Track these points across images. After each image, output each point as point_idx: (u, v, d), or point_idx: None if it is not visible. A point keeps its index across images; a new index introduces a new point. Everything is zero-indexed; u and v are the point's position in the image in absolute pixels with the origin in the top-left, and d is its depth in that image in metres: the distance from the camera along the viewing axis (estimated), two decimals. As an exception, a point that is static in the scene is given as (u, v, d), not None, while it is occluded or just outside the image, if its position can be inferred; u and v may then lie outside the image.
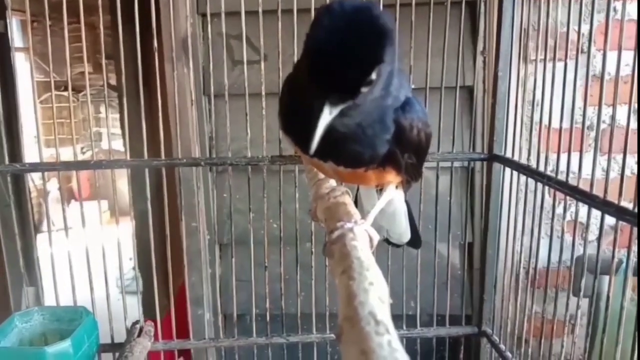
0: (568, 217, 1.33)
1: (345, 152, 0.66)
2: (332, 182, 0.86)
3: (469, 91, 1.45)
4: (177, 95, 1.22)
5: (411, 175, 0.77)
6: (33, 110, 1.22)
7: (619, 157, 0.86)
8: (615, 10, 0.99)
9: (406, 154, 0.70)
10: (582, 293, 1.01)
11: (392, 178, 0.74)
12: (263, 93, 1.21)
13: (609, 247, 0.97)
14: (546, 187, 1.07)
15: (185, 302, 1.47)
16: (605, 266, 0.94)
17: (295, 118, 0.66)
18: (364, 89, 0.56)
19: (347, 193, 0.81)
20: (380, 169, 0.69)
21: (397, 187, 0.83)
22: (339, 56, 0.53)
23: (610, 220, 0.89)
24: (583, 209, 0.97)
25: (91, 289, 1.27)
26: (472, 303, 1.50)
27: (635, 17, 0.86)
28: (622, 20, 0.86)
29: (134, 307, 1.36)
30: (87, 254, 1.24)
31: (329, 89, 0.55)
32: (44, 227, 1.33)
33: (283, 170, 1.29)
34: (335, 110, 0.56)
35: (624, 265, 1.11)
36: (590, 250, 1.00)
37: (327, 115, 0.55)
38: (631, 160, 1.32)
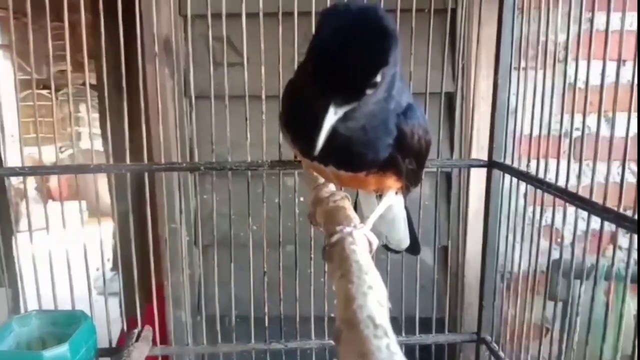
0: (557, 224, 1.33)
1: (347, 155, 0.65)
2: (332, 187, 0.86)
3: (449, 98, 1.46)
4: (159, 97, 1.21)
5: (411, 180, 0.77)
6: (11, 109, 1.21)
7: (618, 164, 0.86)
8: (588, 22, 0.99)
9: (407, 159, 0.70)
10: (580, 299, 1.01)
11: (392, 183, 0.74)
12: (263, 96, 1.22)
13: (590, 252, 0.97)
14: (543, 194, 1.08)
15: (170, 306, 1.47)
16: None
17: (298, 120, 0.65)
18: (368, 91, 0.56)
19: (347, 198, 0.81)
20: (380, 174, 0.69)
21: (396, 193, 0.83)
22: (344, 57, 0.53)
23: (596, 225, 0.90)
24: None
25: (89, 291, 1.27)
26: (450, 308, 1.50)
27: (617, 28, 0.86)
28: (622, 29, 0.86)
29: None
30: (85, 254, 1.24)
31: (334, 91, 0.54)
32: (21, 227, 1.32)
33: (282, 174, 1.29)
34: (340, 112, 0.55)
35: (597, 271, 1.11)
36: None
37: (332, 116, 0.55)
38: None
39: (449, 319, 1.42)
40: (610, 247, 0.94)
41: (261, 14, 1.18)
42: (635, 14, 0.92)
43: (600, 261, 0.96)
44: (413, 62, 1.22)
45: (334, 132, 0.57)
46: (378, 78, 0.55)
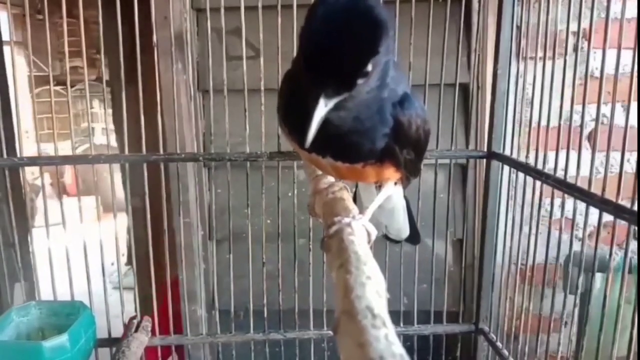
0: (557, 214, 1.34)
1: (344, 145, 0.65)
2: (331, 178, 0.85)
3: (462, 89, 1.45)
4: (172, 90, 1.21)
5: (410, 171, 0.77)
6: (24, 104, 1.22)
7: (617, 155, 0.86)
8: (604, 9, 0.99)
9: (405, 149, 0.70)
10: (579, 291, 1.01)
11: (391, 174, 0.73)
12: (262, 89, 1.21)
13: (602, 244, 0.97)
14: (542, 185, 1.08)
15: (175, 297, 1.47)
16: (601, 264, 0.94)
17: (293, 112, 0.65)
18: (360, 81, 0.55)
19: (346, 188, 0.81)
20: (378, 165, 0.69)
21: (395, 183, 0.83)
22: (334, 48, 0.52)
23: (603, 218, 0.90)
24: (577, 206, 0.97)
25: (88, 282, 1.28)
26: (464, 300, 1.51)
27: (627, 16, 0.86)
28: (622, 18, 0.86)
29: (129, 303, 1.36)
30: (84, 249, 1.24)
31: (325, 82, 0.54)
32: (36, 222, 1.32)
33: (281, 166, 1.29)
34: (331, 103, 0.55)
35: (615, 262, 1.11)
36: (586, 247, 1.00)
37: (323, 108, 0.54)
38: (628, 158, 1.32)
39: (459, 311, 1.43)
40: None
41: (260, 5, 1.17)
42: (635, 2, 0.92)
43: (599, 253, 0.96)
44: (412, 52, 1.21)
45: (328, 123, 0.56)
46: (369, 67, 0.55)
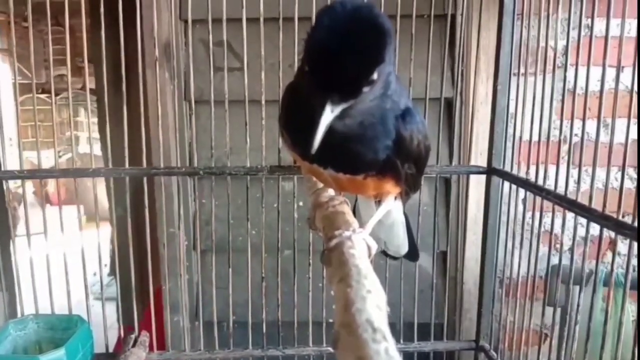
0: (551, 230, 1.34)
1: (345, 155, 0.65)
2: (331, 191, 0.85)
3: (448, 103, 1.46)
4: (159, 101, 1.21)
5: (410, 186, 0.77)
6: (9, 113, 1.21)
7: (618, 170, 0.86)
8: (587, 27, 0.99)
9: (406, 163, 0.70)
10: (580, 307, 1.00)
11: (391, 188, 0.73)
12: (263, 101, 1.22)
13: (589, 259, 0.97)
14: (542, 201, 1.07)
15: (164, 311, 1.46)
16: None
17: (295, 122, 0.65)
18: (365, 89, 0.56)
19: (346, 202, 0.81)
20: (379, 177, 0.69)
21: (395, 198, 0.82)
22: (340, 55, 0.53)
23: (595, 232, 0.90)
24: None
25: (86, 296, 1.27)
26: (448, 314, 1.50)
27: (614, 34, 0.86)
28: (622, 35, 0.86)
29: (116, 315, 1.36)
30: (82, 258, 1.24)
31: (330, 89, 0.54)
32: (19, 231, 1.31)
33: (281, 179, 1.29)
34: (337, 110, 0.55)
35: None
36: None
37: (329, 114, 0.54)
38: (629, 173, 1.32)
39: (447, 324, 1.42)
40: (609, 253, 0.94)
41: (262, 19, 1.18)
42: (634, 20, 0.92)
43: (599, 267, 0.95)
44: (413, 67, 1.22)
45: (331, 132, 0.56)
46: (375, 76, 0.55)
